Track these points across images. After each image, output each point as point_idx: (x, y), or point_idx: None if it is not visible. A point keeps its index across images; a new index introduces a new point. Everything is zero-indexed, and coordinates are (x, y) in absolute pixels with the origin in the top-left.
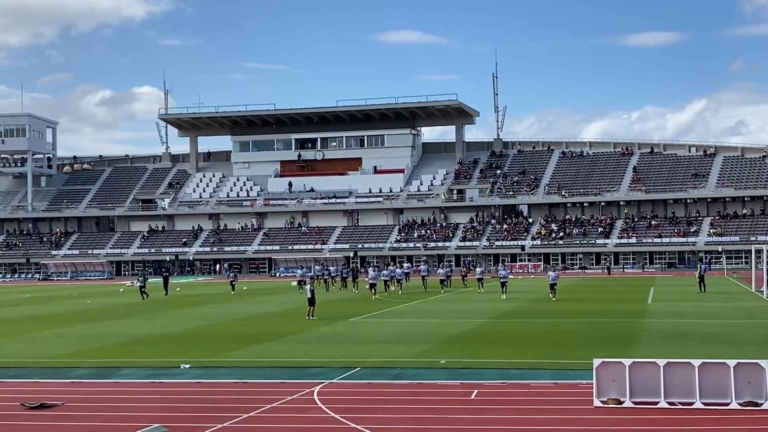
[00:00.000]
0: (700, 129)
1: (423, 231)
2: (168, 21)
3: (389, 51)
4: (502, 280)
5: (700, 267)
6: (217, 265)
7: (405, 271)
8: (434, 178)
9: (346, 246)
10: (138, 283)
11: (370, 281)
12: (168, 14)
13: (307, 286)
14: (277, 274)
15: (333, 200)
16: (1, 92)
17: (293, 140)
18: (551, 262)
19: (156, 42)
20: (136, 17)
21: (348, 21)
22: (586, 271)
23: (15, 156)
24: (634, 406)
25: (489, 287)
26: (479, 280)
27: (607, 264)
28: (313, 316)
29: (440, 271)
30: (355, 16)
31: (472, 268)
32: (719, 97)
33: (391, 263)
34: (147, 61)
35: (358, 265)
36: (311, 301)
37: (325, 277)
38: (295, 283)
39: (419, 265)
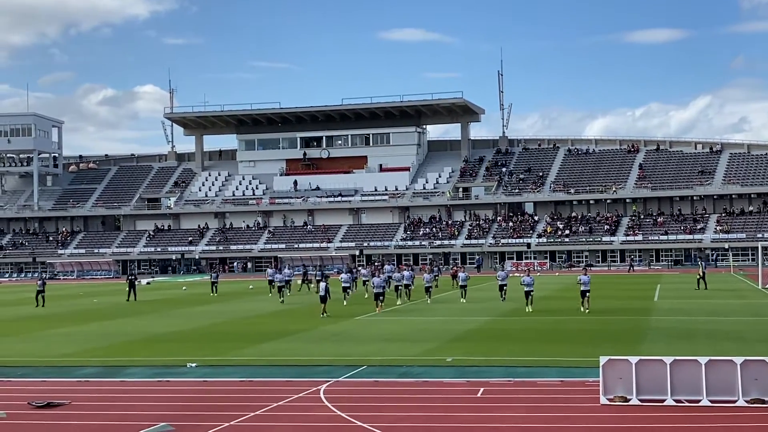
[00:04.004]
0: (703, 126)
1: (428, 229)
2: (171, 20)
3: (393, 49)
4: (526, 290)
5: (702, 264)
6: (224, 265)
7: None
8: (440, 176)
9: (352, 244)
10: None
11: (375, 290)
12: (171, 13)
13: (322, 284)
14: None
15: (338, 198)
16: (4, 92)
17: (298, 139)
18: (557, 260)
19: (159, 41)
20: (140, 16)
21: (351, 19)
22: (592, 268)
23: (21, 155)
24: (640, 403)
25: (474, 297)
26: (462, 287)
27: (631, 261)
28: (325, 312)
29: (426, 276)
30: (357, 14)
31: (458, 268)
32: (723, 94)
33: (366, 266)
34: (150, 60)
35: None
36: (324, 299)
37: (318, 278)
38: (252, 287)
39: (403, 271)
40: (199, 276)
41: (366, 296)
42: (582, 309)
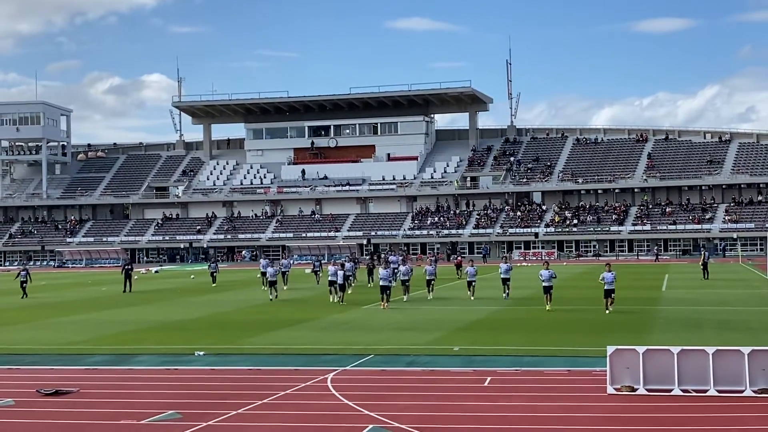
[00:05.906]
0: (711, 115)
1: (436, 218)
2: (178, 8)
3: (400, 38)
4: (545, 284)
5: (704, 254)
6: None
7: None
8: (448, 166)
9: (360, 233)
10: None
11: (381, 282)
12: (178, 1)
13: (340, 272)
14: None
15: (346, 188)
16: (12, 80)
17: (306, 128)
18: (565, 249)
19: (166, 29)
20: (147, 5)
21: (358, 8)
22: (600, 258)
23: (30, 144)
24: (647, 393)
25: (481, 286)
26: (469, 284)
27: (656, 251)
28: (339, 300)
29: (427, 268)
30: (364, 3)
31: (462, 258)
32: (731, 83)
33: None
34: (157, 49)
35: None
36: (342, 287)
37: (316, 269)
38: (259, 276)
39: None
40: (207, 264)
41: (350, 291)
42: (606, 311)
